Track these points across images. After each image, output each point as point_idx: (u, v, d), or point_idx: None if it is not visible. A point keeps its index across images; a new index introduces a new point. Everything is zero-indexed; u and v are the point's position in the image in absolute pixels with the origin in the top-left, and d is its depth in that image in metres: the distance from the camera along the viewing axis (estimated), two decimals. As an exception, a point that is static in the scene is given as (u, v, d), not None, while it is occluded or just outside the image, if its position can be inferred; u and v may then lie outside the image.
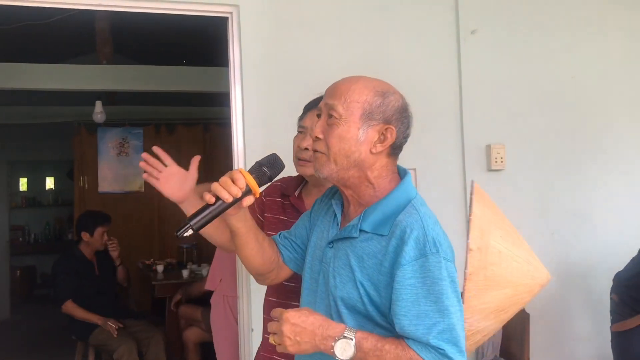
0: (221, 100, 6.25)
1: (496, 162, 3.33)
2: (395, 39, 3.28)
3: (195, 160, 1.83)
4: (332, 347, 1.24)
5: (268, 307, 1.95)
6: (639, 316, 2.84)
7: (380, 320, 1.31)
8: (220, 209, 1.33)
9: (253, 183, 1.34)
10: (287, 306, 1.77)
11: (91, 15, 5.02)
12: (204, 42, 5.02)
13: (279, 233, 1.64)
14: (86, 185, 6.87)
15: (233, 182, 1.32)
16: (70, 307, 4.34)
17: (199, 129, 7.33)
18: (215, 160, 7.10)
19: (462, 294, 1.25)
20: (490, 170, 3.35)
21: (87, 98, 6.30)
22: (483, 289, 1.41)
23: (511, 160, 3.35)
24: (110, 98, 6.63)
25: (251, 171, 1.37)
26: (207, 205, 1.32)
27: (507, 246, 1.52)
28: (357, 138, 1.34)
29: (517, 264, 1.54)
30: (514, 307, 1.53)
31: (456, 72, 3.34)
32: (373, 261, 1.31)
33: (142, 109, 7.27)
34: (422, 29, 3.32)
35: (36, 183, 10.36)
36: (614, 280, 3.06)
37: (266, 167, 1.39)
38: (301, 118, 1.93)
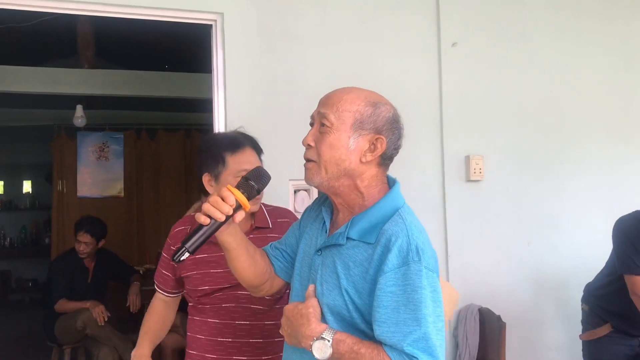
0: (203, 106, 6.25)
1: (475, 172, 3.38)
2: (377, 50, 3.32)
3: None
4: (310, 346, 1.31)
5: (193, 343, 2.01)
6: (608, 325, 2.91)
7: (364, 327, 1.34)
8: (214, 228, 1.35)
9: (242, 198, 1.36)
10: (216, 342, 1.90)
11: (73, 19, 5.01)
12: (187, 48, 5.03)
13: (269, 244, 1.65)
14: (65, 190, 6.80)
15: (223, 200, 1.33)
16: (63, 304, 4.37)
17: (180, 135, 7.31)
18: (196, 166, 7.09)
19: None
20: (469, 180, 3.40)
21: (67, 102, 6.26)
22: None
23: (490, 171, 3.41)
24: (90, 102, 6.59)
25: (239, 187, 1.39)
26: (201, 227, 1.34)
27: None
28: (347, 146, 1.36)
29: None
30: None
31: (437, 84, 3.40)
32: (359, 269, 1.33)
33: (123, 113, 7.24)
34: (403, 41, 3.37)
35: (13, 186, 10.21)
36: (584, 290, 3.13)
37: (253, 181, 1.41)
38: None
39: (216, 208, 1.32)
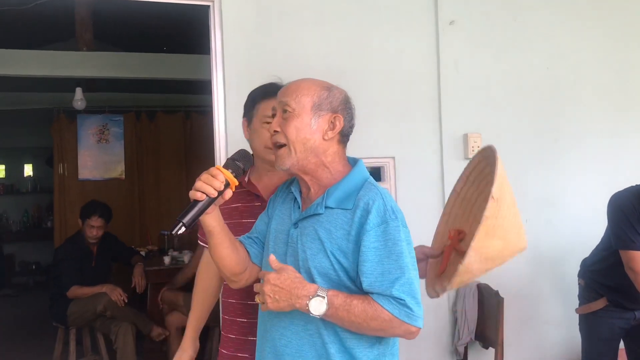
0: (202, 87, 6.25)
1: (473, 150, 3.40)
2: (375, 29, 3.33)
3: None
4: (307, 304, 1.40)
5: (226, 308, 2.03)
6: (604, 299, 2.97)
7: (350, 284, 1.49)
8: (207, 204, 1.45)
9: (231, 177, 1.47)
10: (246, 306, 1.89)
11: (71, 2, 4.99)
12: (185, 30, 5.02)
13: (243, 235, 1.73)
14: (66, 173, 6.83)
15: (214, 177, 1.44)
16: (76, 290, 4.40)
17: (179, 116, 7.32)
18: (196, 147, 7.12)
19: (475, 234, 1.57)
20: (467, 158, 3.42)
21: (66, 85, 6.25)
22: (490, 234, 1.56)
23: (487, 149, 3.43)
24: (90, 85, 6.59)
25: (226, 166, 1.50)
26: (195, 202, 1.44)
27: (512, 203, 1.67)
28: (310, 126, 1.54)
29: (515, 220, 1.70)
30: (498, 261, 1.68)
31: (435, 62, 3.41)
32: (341, 232, 1.49)
33: (122, 95, 7.24)
34: (401, 20, 3.38)
35: (14, 170, 10.24)
36: (580, 265, 3.18)
37: (239, 162, 1.53)
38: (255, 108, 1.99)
39: (209, 184, 1.43)
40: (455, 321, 3.36)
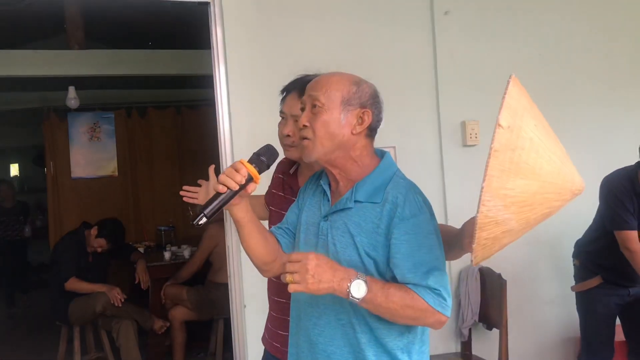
0: (193, 82, 6.28)
1: (471, 137, 3.48)
2: (372, 20, 3.38)
3: (212, 169, 1.99)
4: (348, 287, 1.41)
5: (272, 287, 2.07)
6: (598, 277, 3.08)
7: (378, 278, 1.50)
8: (229, 197, 1.47)
9: (254, 171, 1.49)
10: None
11: (61, 0, 4.96)
12: (176, 26, 5.03)
13: (274, 226, 1.77)
14: (57, 171, 6.80)
15: (237, 171, 1.46)
16: (74, 282, 4.40)
17: (170, 112, 7.31)
18: (188, 141, 7.13)
19: (485, 172, 1.30)
20: (465, 145, 3.50)
21: (57, 83, 6.22)
22: (507, 171, 1.31)
23: (485, 135, 3.50)
24: (80, 82, 6.55)
25: (251, 161, 1.51)
26: (217, 195, 1.47)
27: (541, 137, 1.38)
28: (339, 122, 1.54)
29: (549, 158, 1.38)
30: (540, 207, 1.40)
31: (431, 52, 3.48)
32: (370, 225, 1.52)
33: (112, 93, 7.21)
34: (397, 10, 3.43)
35: (0, 170, 10.17)
36: (575, 246, 3.29)
37: (264, 157, 1.55)
38: (281, 103, 2.02)
39: (230, 178, 1.45)
40: (459, 304, 3.44)
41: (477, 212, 1.32)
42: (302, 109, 1.61)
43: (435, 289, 1.44)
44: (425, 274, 1.45)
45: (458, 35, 3.51)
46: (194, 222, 1.47)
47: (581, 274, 3.22)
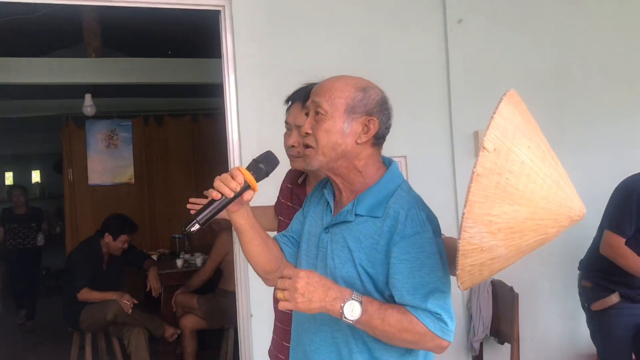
0: (209, 91, 6.30)
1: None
2: (383, 29, 3.36)
3: None
4: (341, 307, 1.34)
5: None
6: (617, 294, 2.95)
7: (377, 296, 1.43)
8: (223, 204, 1.42)
9: (251, 178, 1.43)
10: None
11: (80, 9, 5.03)
12: (192, 34, 5.06)
13: (278, 234, 1.72)
14: (75, 178, 6.86)
15: (232, 178, 1.41)
16: (86, 293, 4.43)
17: (187, 120, 7.35)
18: (204, 150, 7.15)
19: (466, 197, 1.22)
20: (477, 155, 3.44)
21: (75, 91, 6.29)
22: (492, 197, 1.23)
23: (498, 145, 3.44)
24: (98, 90, 6.63)
25: (249, 168, 1.46)
26: (212, 201, 1.42)
27: (534, 160, 1.29)
28: (342, 131, 1.45)
29: (543, 183, 1.29)
30: (533, 234, 1.30)
31: (444, 61, 3.44)
32: (370, 241, 1.44)
33: (130, 100, 7.27)
34: (410, 19, 3.40)
35: (22, 177, 10.31)
36: (581, 268, 3.15)
37: (262, 164, 1.48)
38: (286, 113, 2.01)
39: (225, 184, 1.40)
40: (470, 317, 3.38)
41: (459, 238, 1.25)
42: (307, 114, 1.53)
43: (435, 313, 1.36)
44: (425, 296, 1.37)
45: (471, 44, 3.47)
46: (186, 228, 1.43)
47: (596, 295, 3.06)
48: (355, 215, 1.47)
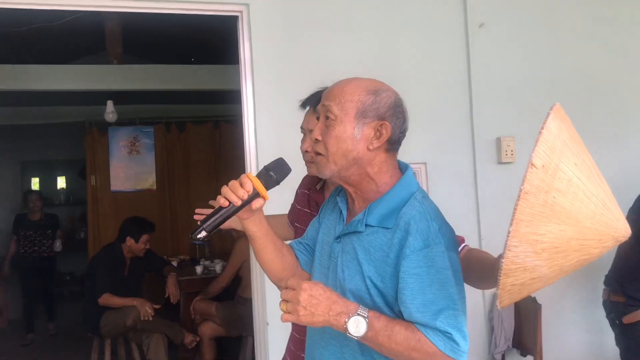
0: (231, 97, 6.30)
1: (506, 154, 3.35)
2: (403, 34, 3.31)
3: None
4: (345, 322, 1.29)
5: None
6: None
7: (386, 311, 1.36)
8: (231, 212, 1.39)
9: (260, 186, 1.40)
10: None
11: (101, 16, 5.06)
12: (213, 40, 5.06)
13: (294, 240, 1.68)
14: (98, 184, 6.92)
15: (241, 185, 1.37)
16: (108, 298, 4.46)
17: (209, 126, 7.37)
18: (226, 156, 7.15)
19: (513, 215, 1.18)
20: (500, 162, 3.37)
21: (98, 98, 6.35)
22: (539, 216, 1.19)
23: (522, 152, 3.37)
24: (120, 97, 6.69)
25: (259, 176, 1.43)
26: (219, 209, 1.39)
27: (581, 178, 1.24)
28: (353, 137, 1.39)
29: (589, 202, 1.24)
30: (576, 254, 1.26)
31: (465, 66, 3.38)
32: (379, 253, 1.37)
33: (152, 107, 7.32)
34: (430, 24, 3.35)
35: (48, 182, 10.42)
36: (610, 283, 3.02)
37: (273, 171, 1.44)
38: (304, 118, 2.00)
39: (233, 192, 1.36)
40: (491, 329, 3.30)
41: (503, 257, 1.20)
42: (318, 118, 1.48)
43: (446, 332, 1.29)
44: (435, 313, 1.29)
45: (493, 49, 3.41)
46: (192, 235, 1.40)
47: (626, 310, 2.94)
48: (366, 225, 1.40)
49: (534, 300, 3.03)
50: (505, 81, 3.41)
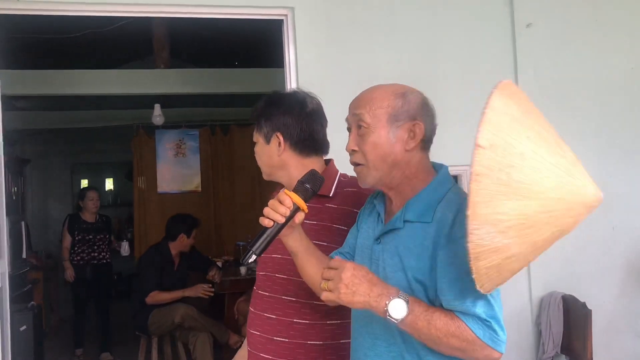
0: (274, 100, 6.35)
1: (554, 157, 3.28)
2: (448, 35, 3.29)
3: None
4: (386, 305, 1.30)
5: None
6: None
7: (427, 303, 1.37)
8: (276, 230, 1.43)
9: (299, 200, 1.45)
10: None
11: (149, 22, 5.19)
12: (259, 44, 5.12)
13: (334, 251, 1.69)
14: (145, 186, 7.07)
15: (281, 203, 1.42)
16: (156, 295, 4.57)
17: (252, 130, 7.38)
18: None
19: (467, 200, 1.17)
20: (547, 164, 3.30)
21: (145, 101, 6.50)
22: (497, 194, 1.18)
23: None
24: (167, 101, 6.82)
25: (295, 190, 1.47)
26: (265, 230, 1.43)
27: (536, 149, 1.22)
28: (389, 141, 1.43)
29: (550, 172, 1.22)
30: (548, 227, 1.23)
31: (512, 67, 3.33)
32: (419, 248, 1.39)
33: (197, 110, 7.44)
34: (475, 24, 3.32)
35: (96, 184, 10.67)
36: None
37: (308, 184, 1.49)
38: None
39: (275, 210, 1.41)
40: (539, 334, 3.24)
41: (467, 242, 1.20)
42: (349, 129, 1.50)
43: (485, 320, 1.29)
44: (472, 302, 1.30)
45: (541, 49, 3.35)
46: (243, 260, 1.46)
47: None
48: (405, 221, 1.43)
49: (583, 305, 2.96)
50: (553, 82, 3.35)
